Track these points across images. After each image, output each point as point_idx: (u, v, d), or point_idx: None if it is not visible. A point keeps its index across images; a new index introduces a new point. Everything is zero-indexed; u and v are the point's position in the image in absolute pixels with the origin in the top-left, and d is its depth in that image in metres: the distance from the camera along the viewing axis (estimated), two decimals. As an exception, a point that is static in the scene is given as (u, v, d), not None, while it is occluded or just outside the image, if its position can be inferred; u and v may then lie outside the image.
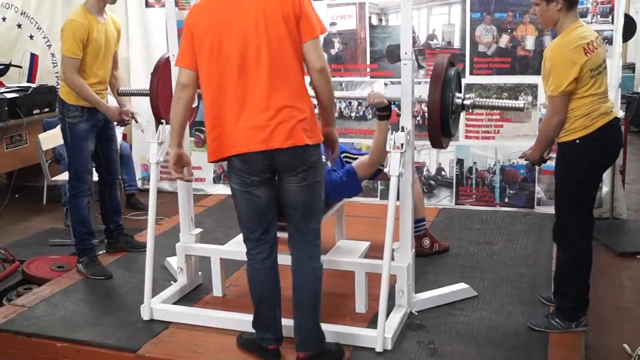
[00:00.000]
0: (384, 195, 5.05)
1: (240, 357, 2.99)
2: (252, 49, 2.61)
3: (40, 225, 5.35)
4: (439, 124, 3.02)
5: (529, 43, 4.86)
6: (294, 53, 2.64)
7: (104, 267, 3.99)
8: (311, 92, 2.75)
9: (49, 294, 3.69)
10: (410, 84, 3.05)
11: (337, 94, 2.94)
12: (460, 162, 5.14)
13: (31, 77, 6.53)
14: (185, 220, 3.63)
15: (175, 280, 3.66)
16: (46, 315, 3.44)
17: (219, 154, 2.71)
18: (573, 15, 2.97)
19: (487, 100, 3.31)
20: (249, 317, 2.98)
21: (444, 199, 5.21)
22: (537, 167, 4.59)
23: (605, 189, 4.85)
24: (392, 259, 3.06)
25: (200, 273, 3.72)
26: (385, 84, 5.17)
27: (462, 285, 3.54)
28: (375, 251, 3.45)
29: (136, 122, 4.34)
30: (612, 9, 4.66)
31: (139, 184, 5.94)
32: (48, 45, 6.44)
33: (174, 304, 3.46)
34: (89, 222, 4.04)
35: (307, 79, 2.73)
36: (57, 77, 6.18)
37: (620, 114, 4.50)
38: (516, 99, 4.90)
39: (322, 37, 2.83)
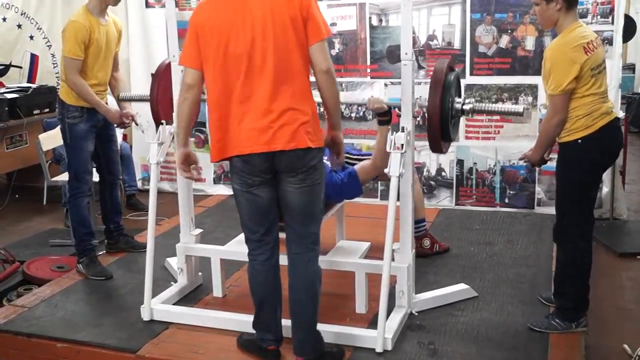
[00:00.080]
0: (384, 195, 5.05)
1: (241, 358, 2.99)
2: (258, 51, 2.60)
3: (41, 225, 5.35)
4: (438, 129, 3.03)
5: (529, 43, 4.86)
6: (299, 55, 2.63)
7: (104, 267, 3.99)
8: (318, 99, 2.74)
9: (49, 295, 3.69)
10: (411, 84, 3.05)
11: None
12: (460, 162, 5.14)
13: (31, 78, 6.53)
14: (186, 220, 3.63)
15: (176, 281, 3.66)
16: (46, 316, 3.44)
17: (222, 155, 2.71)
18: (572, 15, 2.98)
19: (487, 105, 3.34)
20: (249, 318, 2.98)
21: (444, 200, 5.21)
22: (537, 168, 4.60)
23: (605, 189, 4.85)
24: (393, 259, 3.06)
25: (200, 273, 3.72)
26: (386, 85, 5.18)
27: (462, 286, 3.54)
28: (375, 252, 3.45)
29: (136, 124, 4.34)
30: (612, 10, 4.66)
31: (139, 184, 5.94)
32: (48, 46, 6.44)
33: (174, 304, 3.46)
34: (89, 222, 4.04)
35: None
36: (57, 77, 6.18)
37: (621, 114, 4.49)
38: (516, 99, 4.92)
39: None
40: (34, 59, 6.51)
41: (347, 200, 3.88)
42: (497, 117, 4.97)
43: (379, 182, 5.17)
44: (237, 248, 3.49)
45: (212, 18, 2.64)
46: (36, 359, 3.23)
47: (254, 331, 2.97)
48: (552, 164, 3.28)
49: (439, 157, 5.15)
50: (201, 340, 3.12)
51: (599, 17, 4.69)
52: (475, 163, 5.11)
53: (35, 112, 5.87)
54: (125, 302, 3.59)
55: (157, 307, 3.35)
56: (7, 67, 6.47)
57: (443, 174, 5.20)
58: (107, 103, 3.97)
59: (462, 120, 4.87)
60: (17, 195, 6.11)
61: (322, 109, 2.79)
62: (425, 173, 5.21)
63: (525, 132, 4.91)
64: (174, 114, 3.45)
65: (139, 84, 5.88)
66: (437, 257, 4.02)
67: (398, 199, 3.08)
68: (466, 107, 3.11)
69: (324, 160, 2.85)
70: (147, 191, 3.68)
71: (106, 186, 4.18)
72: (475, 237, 4.43)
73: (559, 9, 2.95)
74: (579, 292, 3.12)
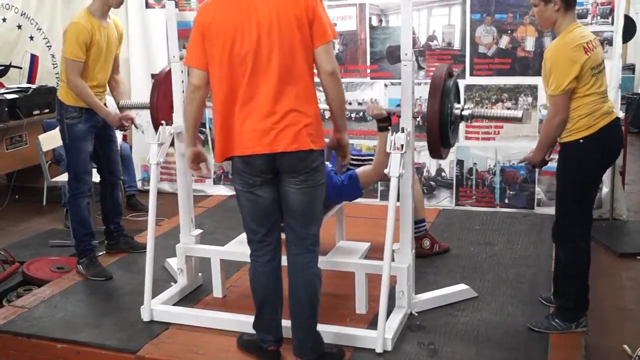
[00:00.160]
0: (384, 196, 5.05)
1: (241, 358, 2.99)
2: (263, 52, 2.59)
3: (40, 226, 5.35)
4: (438, 135, 3.05)
5: (529, 44, 4.86)
6: (304, 57, 2.63)
7: (104, 268, 3.98)
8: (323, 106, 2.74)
9: (49, 295, 3.69)
10: (411, 85, 3.05)
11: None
12: (460, 163, 5.14)
13: (31, 78, 6.53)
14: (186, 221, 3.63)
15: (176, 281, 3.66)
16: (46, 317, 3.44)
17: (225, 154, 2.71)
18: (571, 16, 2.99)
19: (486, 110, 3.35)
20: (249, 318, 2.98)
21: (444, 200, 5.21)
22: (537, 169, 4.59)
23: (605, 189, 4.85)
24: (393, 259, 3.06)
25: (200, 274, 3.72)
26: (386, 85, 5.18)
27: (462, 286, 3.54)
28: (375, 252, 3.45)
29: (136, 127, 4.35)
30: (612, 10, 4.66)
31: (139, 185, 5.94)
32: (48, 46, 6.45)
33: (174, 305, 3.46)
34: (89, 223, 4.03)
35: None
36: (57, 78, 6.18)
37: (620, 114, 4.50)
38: (516, 100, 4.92)
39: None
40: (33, 59, 6.51)
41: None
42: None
43: (379, 183, 5.16)
44: (237, 248, 3.49)
45: (218, 17, 2.63)
46: (36, 360, 3.24)
47: (254, 332, 2.97)
48: (552, 165, 3.28)
49: (439, 158, 5.15)
50: (201, 341, 3.12)
51: (598, 17, 4.69)
52: (475, 163, 5.11)
53: (35, 112, 5.88)
54: (125, 302, 3.59)
55: (157, 307, 3.35)
56: (7, 67, 6.47)
57: (443, 174, 5.20)
58: (105, 103, 3.97)
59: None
60: (17, 196, 6.11)
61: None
62: (425, 173, 5.21)
63: (525, 132, 4.91)
64: (182, 114, 3.47)
65: (139, 84, 5.89)
66: (437, 258, 4.02)
67: (398, 200, 3.08)
68: (465, 112, 3.13)
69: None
70: (147, 192, 3.68)
71: (107, 186, 4.18)
72: (475, 237, 4.43)
73: (557, 9, 2.95)
74: (579, 292, 3.12)
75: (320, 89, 2.72)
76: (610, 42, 4.67)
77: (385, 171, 3.01)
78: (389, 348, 2.96)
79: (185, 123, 2.87)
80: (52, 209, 5.73)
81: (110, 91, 4.09)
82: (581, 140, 2.97)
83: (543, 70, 3.03)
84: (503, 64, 4.94)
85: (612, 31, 4.67)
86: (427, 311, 3.31)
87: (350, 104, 5.22)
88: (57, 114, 4.00)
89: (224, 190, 5.74)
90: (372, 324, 3.12)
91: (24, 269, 4.17)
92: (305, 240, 2.78)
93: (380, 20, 5.15)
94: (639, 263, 4.27)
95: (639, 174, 6.38)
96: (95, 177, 4.16)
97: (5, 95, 5.77)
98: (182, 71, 3.49)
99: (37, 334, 3.26)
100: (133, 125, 4.11)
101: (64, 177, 4.71)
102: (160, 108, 3.60)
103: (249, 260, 2.92)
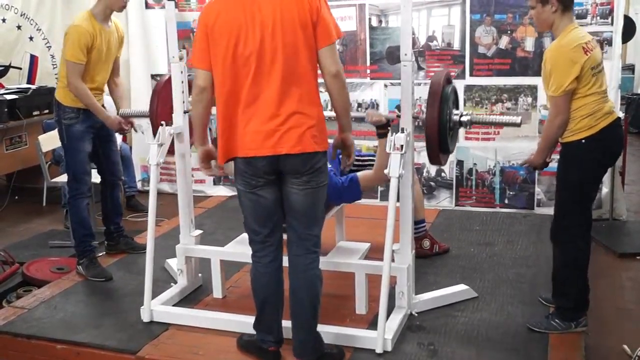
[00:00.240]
0: (384, 196, 5.04)
1: (241, 359, 2.98)
2: (267, 54, 2.58)
3: (40, 227, 5.34)
4: (437, 141, 3.05)
5: (529, 44, 4.86)
6: (308, 59, 2.62)
7: (104, 268, 3.98)
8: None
9: (48, 296, 3.69)
10: (410, 85, 3.05)
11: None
12: (460, 163, 5.14)
13: (31, 79, 6.52)
14: (185, 221, 3.62)
15: (175, 282, 3.66)
16: (46, 317, 3.44)
17: (228, 155, 2.71)
18: (568, 17, 2.99)
19: (484, 116, 3.37)
20: (250, 319, 2.98)
21: (444, 200, 5.21)
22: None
23: (605, 190, 4.84)
24: (392, 260, 3.06)
25: (200, 275, 3.72)
26: (385, 86, 5.18)
27: (462, 287, 3.54)
28: (375, 252, 3.45)
29: (135, 131, 4.35)
30: (611, 10, 4.66)
31: (139, 185, 5.93)
32: (48, 47, 6.44)
33: (174, 305, 3.46)
34: (89, 223, 4.03)
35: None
36: (56, 78, 6.17)
37: (620, 115, 4.50)
38: (516, 100, 4.92)
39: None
40: (33, 60, 6.51)
41: (347, 202, 3.88)
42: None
43: (379, 183, 5.17)
44: (237, 249, 3.49)
45: (222, 17, 2.62)
46: (36, 361, 3.24)
47: (254, 332, 2.97)
48: (552, 165, 3.28)
49: (439, 158, 5.15)
50: (201, 342, 3.12)
51: (598, 17, 4.69)
52: (475, 164, 5.11)
53: (35, 113, 5.88)
54: (125, 303, 3.59)
55: (157, 308, 3.35)
56: (7, 68, 6.46)
57: (443, 174, 5.20)
58: (103, 105, 3.97)
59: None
60: (16, 197, 6.10)
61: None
62: (425, 174, 5.21)
63: (524, 132, 4.90)
64: (182, 115, 3.50)
65: (139, 84, 5.89)
66: (437, 258, 4.02)
67: (398, 200, 3.09)
68: (464, 118, 3.14)
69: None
70: (147, 192, 3.68)
71: (107, 187, 4.18)
72: (475, 237, 4.43)
73: (554, 11, 2.96)
74: (580, 293, 3.13)
75: (323, 89, 2.71)
76: (609, 42, 4.67)
77: (385, 171, 3.01)
78: (389, 348, 2.96)
79: (194, 124, 2.87)
80: (52, 210, 5.73)
81: (109, 93, 4.10)
82: (583, 141, 2.97)
83: (543, 72, 3.03)
84: (503, 64, 4.94)
85: (611, 31, 4.67)
86: (427, 311, 3.31)
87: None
88: (55, 114, 4.00)
89: (224, 191, 5.74)
90: (372, 324, 3.12)
91: (23, 270, 4.17)
92: (306, 241, 2.78)
93: (380, 21, 5.15)
94: (638, 263, 4.27)
95: (639, 174, 6.38)
96: (96, 178, 4.16)
97: (4, 95, 5.77)
98: (181, 72, 3.50)
99: (36, 334, 3.26)
100: (133, 129, 4.11)
101: (63, 178, 4.70)
102: (159, 115, 3.61)
103: (249, 260, 2.92)
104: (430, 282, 3.66)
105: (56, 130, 4.06)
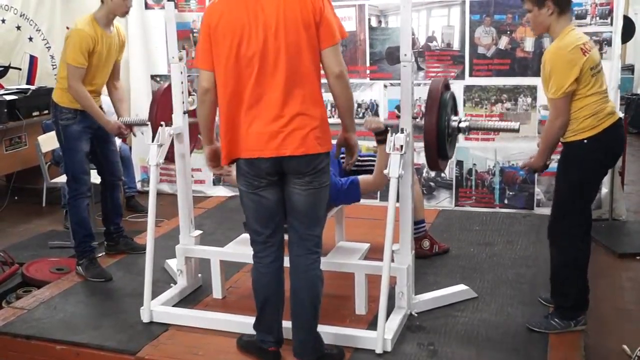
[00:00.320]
0: (384, 196, 5.01)
1: (241, 359, 2.98)
2: (270, 54, 2.58)
3: (40, 227, 5.34)
4: (435, 147, 3.05)
5: (528, 45, 4.86)
6: (311, 59, 2.61)
7: (104, 269, 3.98)
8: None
9: (48, 297, 3.69)
10: (410, 86, 3.05)
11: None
12: (459, 163, 5.14)
13: (30, 79, 6.52)
14: (185, 222, 3.62)
15: (175, 283, 3.66)
16: (45, 318, 3.43)
17: (231, 157, 2.71)
18: (565, 19, 3.00)
19: (483, 122, 3.38)
20: (249, 319, 2.98)
21: (444, 201, 5.21)
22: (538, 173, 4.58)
23: (604, 190, 4.84)
24: (392, 260, 3.06)
25: (200, 275, 3.72)
26: (385, 86, 5.18)
27: (462, 287, 3.54)
28: (375, 253, 3.45)
29: (134, 135, 4.35)
30: (611, 11, 4.66)
31: (139, 186, 5.93)
32: (47, 47, 6.44)
33: (173, 306, 3.46)
34: (89, 224, 4.03)
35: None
36: (56, 79, 6.18)
37: (620, 115, 4.50)
38: (515, 100, 4.92)
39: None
40: (33, 60, 6.50)
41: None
42: (497, 119, 4.97)
43: (379, 184, 5.16)
44: (237, 249, 3.49)
45: (225, 17, 2.61)
46: (35, 361, 3.24)
47: (253, 332, 2.97)
48: (552, 165, 3.28)
49: (439, 158, 5.15)
50: (201, 342, 3.12)
51: (597, 18, 4.69)
52: (474, 164, 5.11)
53: (35, 113, 5.87)
54: (125, 303, 3.59)
55: (156, 308, 3.34)
56: (6, 68, 6.46)
57: (442, 175, 5.19)
58: (101, 105, 3.97)
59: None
60: (16, 197, 6.10)
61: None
62: (424, 174, 5.21)
63: (524, 133, 4.90)
64: (182, 115, 3.51)
65: (139, 84, 5.89)
66: (436, 258, 4.02)
67: (398, 200, 3.09)
68: (462, 125, 3.15)
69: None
70: (147, 193, 3.68)
71: (107, 187, 4.18)
72: (475, 238, 4.43)
73: (551, 14, 2.97)
74: (580, 293, 3.13)
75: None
76: (609, 42, 4.67)
77: (385, 172, 3.01)
78: (389, 349, 2.96)
79: (200, 123, 2.86)
80: (52, 210, 5.73)
81: (109, 96, 4.11)
82: (585, 141, 2.97)
83: (542, 74, 3.03)
84: (502, 65, 4.94)
85: (611, 32, 4.67)
86: (427, 312, 3.31)
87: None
88: (52, 115, 4.01)
89: (224, 191, 5.74)
90: (372, 324, 3.12)
91: (23, 270, 4.17)
92: (308, 241, 2.78)
93: (380, 21, 5.16)
94: (638, 263, 4.27)
95: (639, 174, 6.38)
96: (95, 179, 4.16)
97: (4, 96, 5.77)
98: (181, 72, 3.50)
99: (36, 335, 3.26)
100: (132, 133, 4.11)
101: (63, 179, 4.70)
102: (159, 120, 3.60)
103: (248, 261, 2.92)
104: (430, 282, 3.66)
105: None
